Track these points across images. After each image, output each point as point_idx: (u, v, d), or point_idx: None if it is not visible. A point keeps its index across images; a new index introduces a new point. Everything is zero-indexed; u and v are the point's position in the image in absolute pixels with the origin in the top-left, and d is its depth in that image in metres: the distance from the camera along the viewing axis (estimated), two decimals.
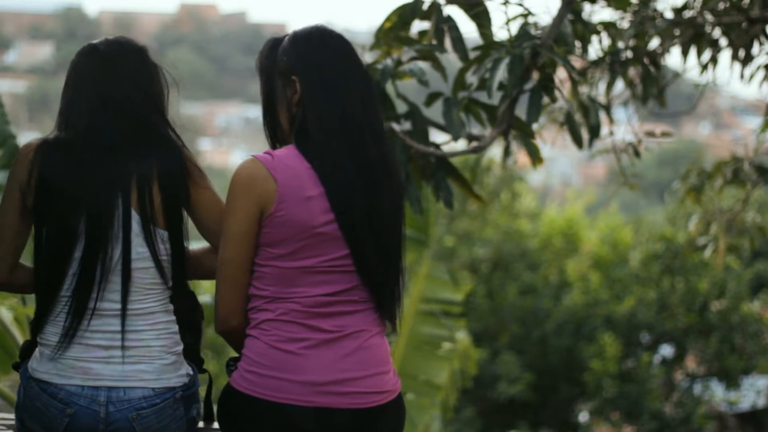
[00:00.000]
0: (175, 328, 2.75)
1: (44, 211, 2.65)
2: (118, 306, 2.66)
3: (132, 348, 2.67)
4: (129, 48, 2.77)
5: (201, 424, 2.90)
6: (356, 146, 2.62)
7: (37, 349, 2.71)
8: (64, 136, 2.69)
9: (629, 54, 4.61)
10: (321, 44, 2.68)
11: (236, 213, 2.61)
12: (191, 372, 2.76)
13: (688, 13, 4.64)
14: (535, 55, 3.79)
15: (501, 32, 3.98)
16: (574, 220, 16.24)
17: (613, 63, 4.55)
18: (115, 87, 2.71)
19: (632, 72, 4.75)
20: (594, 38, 4.52)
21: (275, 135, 2.74)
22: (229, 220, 2.62)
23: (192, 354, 2.81)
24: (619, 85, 4.86)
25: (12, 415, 3.15)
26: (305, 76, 2.65)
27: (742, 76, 4.80)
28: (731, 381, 14.49)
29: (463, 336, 8.74)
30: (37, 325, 2.76)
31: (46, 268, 2.66)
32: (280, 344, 2.61)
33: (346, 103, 2.63)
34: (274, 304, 2.63)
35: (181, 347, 2.75)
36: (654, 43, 4.67)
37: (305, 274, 2.61)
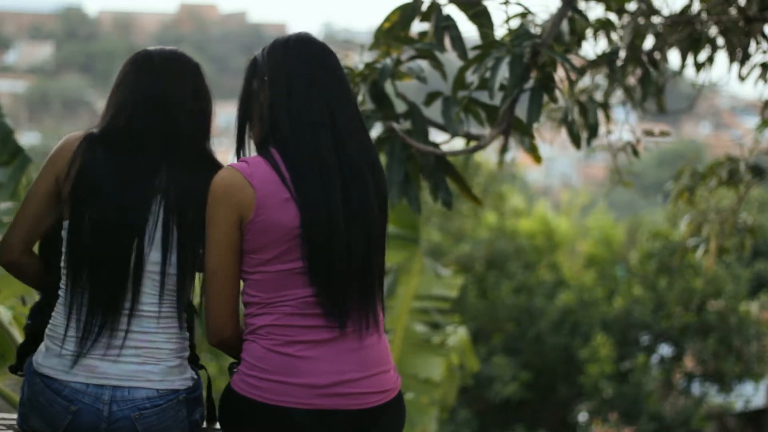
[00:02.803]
0: (186, 334, 2.76)
1: (79, 204, 2.67)
2: (141, 306, 2.67)
3: (141, 348, 2.67)
4: (189, 60, 2.82)
5: (203, 425, 2.90)
6: (316, 150, 2.63)
7: (42, 344, 2.72)
8: (112, 133, 2.71)
9: (627, 54, 4.60)
10: (297, 51, 2.71)
11: (218, 223, 2.63)
12: (195, 376, 2.77)
13: (687, 14, 4.64)
14: (535, 54, 3.80)
15: (500, 31, 3.99)
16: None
17: (611, 62, 4.55)
18: (172, 91, 2.75)
19: (630, 72, 4.75)
20: (592, 37, 4.53)
21: (243, 133, 2.76)
22: (211, 231, 2.64)
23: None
24: (619, 85, 4.85)
25: (12, 415, 3.16)
26: (275, 81, 2.69)
27: (740, 77, 4.80)
28: (731, 380, 14.48)
29: (461, 332, 8.74)
30: (35, 322, 2.76)
31: (75, 261, 2.67)
32: (278, 348, 2.62)
33: (308, 107, 2.66)
34: (267, 308, 2.64)
35: (187, 353, 2.76)
36: (651, 42, 4.67)
37: (293, 276, 2.63)
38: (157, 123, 2.72)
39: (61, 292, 2.72)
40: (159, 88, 2.74)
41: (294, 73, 2.69)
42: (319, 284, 2.61)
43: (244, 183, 2.62)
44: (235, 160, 2.72)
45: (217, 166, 2.75)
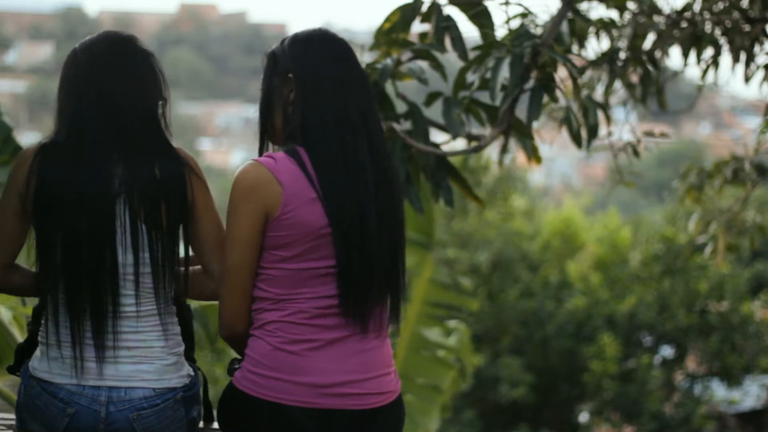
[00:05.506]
0: (177, 329, 2.75)
1: (45, 216, 2.65)
2: (121, 308, 2.66)
3: (133, 348, 2.67)
4: (118, 43, 2.74)
5: (200, 425, 2.90)
6: (349, 150, 2.62)
7: (38, 349, 2.72)
8: (61, 140, 2.67)
9: (628, 53, 4.60)
10: (320, 47, 2.69)
11: (241, 218, 2.61)
12: (192, 373, 2.76)
13: (688, 14, 4.63)
14: (535, 54, 3.79)
15: (501, 31, 3.98)
16: (571, 220, 16.25)
17: (612, 62, 4.55)
18: (104, 86, 2.68)
19: (631, 72, 4.75)
20: (593, 37, 4.53)
21: (265, 132, 2.74)
22: (233, 225, 2.62)
23: (185, 354, 2.82)
24: (619, 84, 4.85)
25: (12, 415, 3.16)
26: (301, 77, 2.66)
27: (746, 78, 4.79)
28: (732, 379, 14.50)
29: (462, 332, 8.73)
30: (37, 324, 2.76)
31: (49, 270, 2.66)
32: (285, 346, 2.62)
33: (341, 106, 2.64)
34: (280, 304, 2.63)
35: (182, 348, 2.75)
36: (652, 42, 4.66)
37: (312, 274, 2.62)
38: (103, 122, 2.66)
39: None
40: (97, 85, 2.68)
41: (322, 72, 2.66)
42: (346, 285, 2.61)
43: (271, 178, 2.59)
44: (252, 158, 2.69)
45: (174, 151, 2.69)
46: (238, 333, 2.69)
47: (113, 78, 2.69)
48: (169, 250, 2.68)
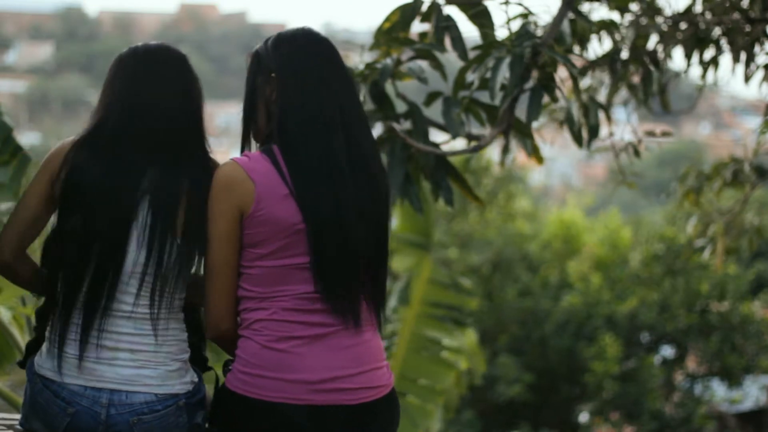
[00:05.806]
0: (184, 335, 2.74)
1: (67, 208, 2.66)
2: (129, 308, 2.66)
3: (138, 352, 2.66)
4: (173, 54, 2.78)
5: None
6: (328, 149, 2.63)
7: (43, 345, 2.72)
8: (99, 136, 2.69)
9: (630, 54, 4.60)
10: (304, 47, 2.71)
11: (218, 216, 2.63)
12: (196, 379, 2.75)
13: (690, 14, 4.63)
14: (535, 54, 3.79)
15: (501, 31, 3.98)
16: (572, 221, 16.26)
17: (613, 63, 4.55)
18: (157, 91, 2.71)
19: (632, 72, 4.75)
20: (594, 37, 4.53)
21: (248, 130, 2.76)
22: (212, 225, 2.64)
23: (195, 354, 2.81)
24: (620, 85, 4.85)
25: (12, 415, 3.17)
26: (284, 76, 2.68)
27: (746, 78, 4.79)
28: (733, 379, 14.50)
29: (469, 334, 8.73)
30: (44, 320, 2.76)
31: (64, 264, 2.66)
32: (273, 344, 2.63)
33: (320, 106, 2.66)
34: (264, 303, 2.64)
35: (187, 354, 2.74)
36: (654, 43, 4.66)
37: (291, 271, 2.63)
38: (143, 127, 2.68)
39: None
40: (143, 92, 2.71)
41: (304, 71, 2.68)
42: (325, 280, 2.62)
43: (245, 177, 2.62)
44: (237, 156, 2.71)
45: (212, 163, 2.73)
46: (223, 332, 2.69)
47: (158, 84, 2.73)
48: (181, 255, 2.68)
